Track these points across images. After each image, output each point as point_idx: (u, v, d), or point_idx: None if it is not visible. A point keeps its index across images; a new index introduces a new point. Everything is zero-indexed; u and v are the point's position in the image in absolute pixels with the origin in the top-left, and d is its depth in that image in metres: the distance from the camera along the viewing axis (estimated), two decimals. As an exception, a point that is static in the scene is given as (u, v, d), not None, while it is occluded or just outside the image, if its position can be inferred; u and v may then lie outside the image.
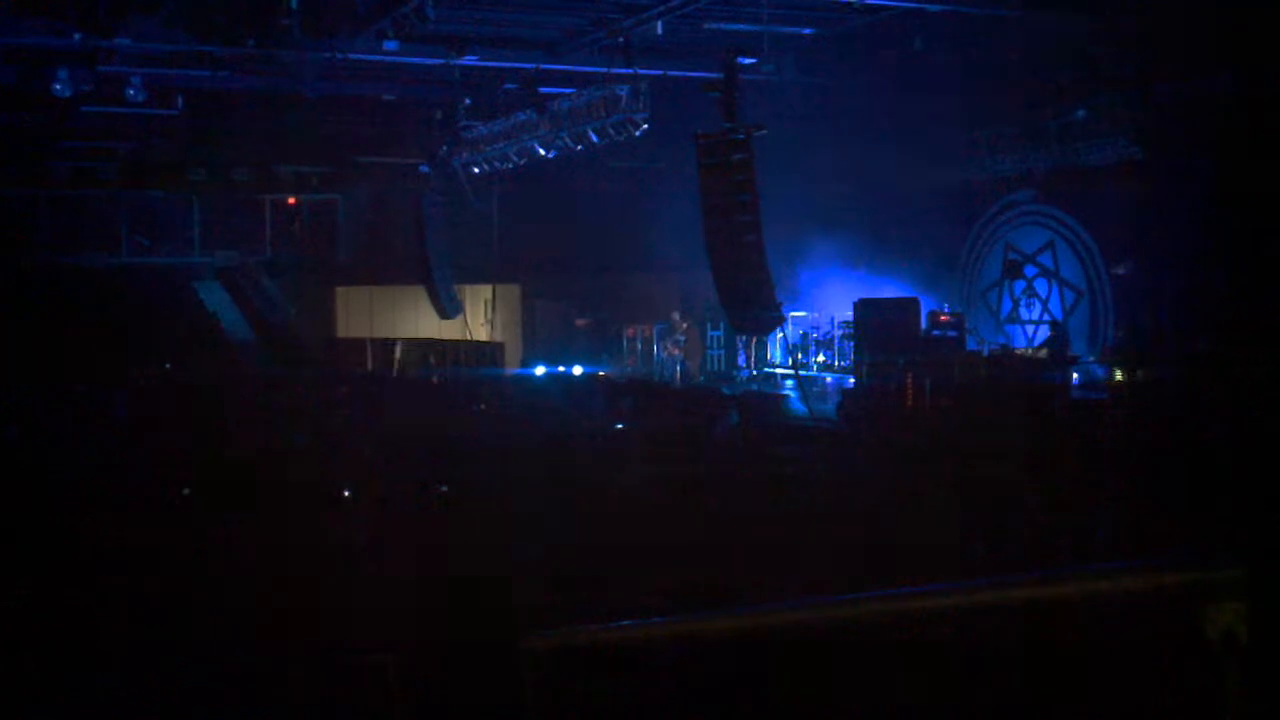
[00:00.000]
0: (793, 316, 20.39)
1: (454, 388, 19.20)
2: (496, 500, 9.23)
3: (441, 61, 18.18)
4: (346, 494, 9.84)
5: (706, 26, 16.84)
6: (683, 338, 22.20)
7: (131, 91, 18.44)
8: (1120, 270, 17.25)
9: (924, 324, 17.95)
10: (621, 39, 16.78)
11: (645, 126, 18.07)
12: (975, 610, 3.19)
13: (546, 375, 22.23)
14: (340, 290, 26.47)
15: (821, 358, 21.14)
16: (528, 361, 24.60)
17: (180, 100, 20.12)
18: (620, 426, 15.01)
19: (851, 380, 18.97)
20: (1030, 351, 17.94)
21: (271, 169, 25.46)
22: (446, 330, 25.30)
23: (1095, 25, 15.96)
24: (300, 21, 15.80)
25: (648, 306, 24.42)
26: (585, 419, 15.55)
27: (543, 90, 19.75)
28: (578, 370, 22.39)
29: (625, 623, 3.38)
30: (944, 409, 15.03)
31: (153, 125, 21.95)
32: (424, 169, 23.82)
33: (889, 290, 19.26)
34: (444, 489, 10.12)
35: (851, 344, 19.46)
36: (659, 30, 16.53)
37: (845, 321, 19.89)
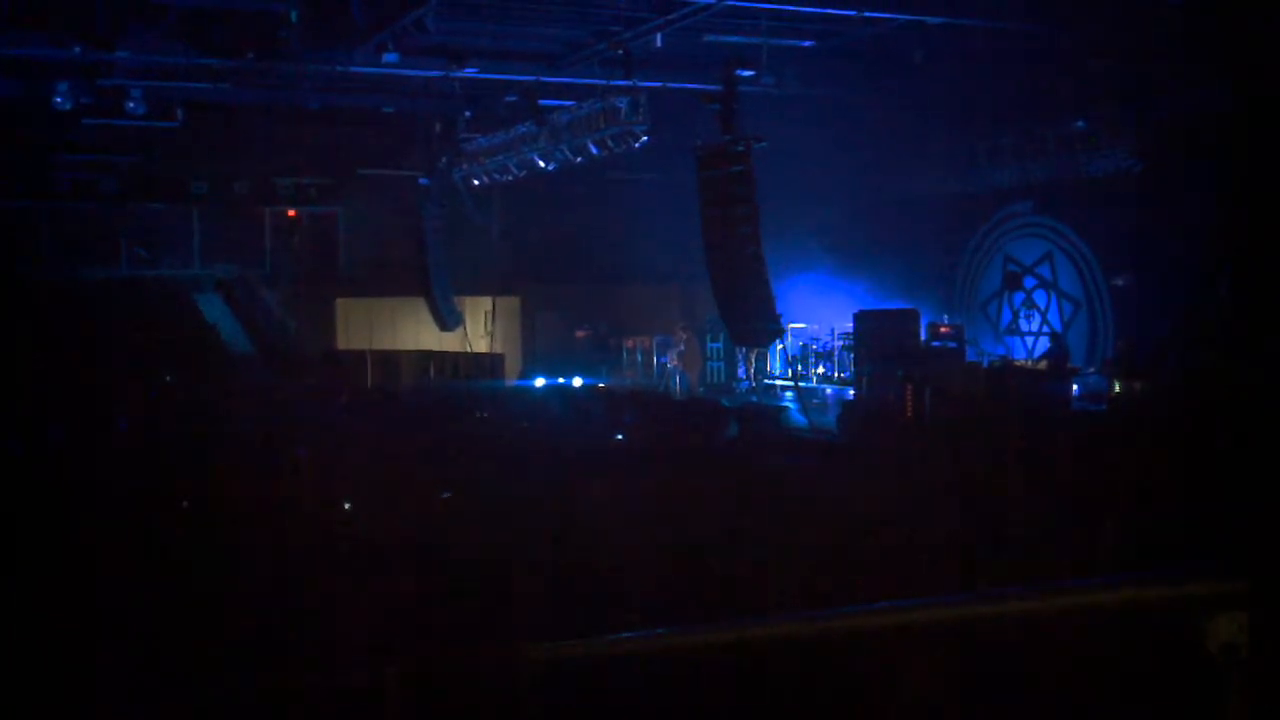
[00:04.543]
0: (792, 328, 20.39)
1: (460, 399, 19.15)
2: (497, 509, 9.21)
3: (441, 74, 18.20)
4: (347, 506, 9.82)
5: (706, 39, 16.85)
6: (683, 349, 22.21)
7: (131, 104, 18.47)
8: (1119, 282, 17.26)
9: (924, 335, 17.94)
10: (621, 51, 16.79)
11: (644, 139, 18.08)
12: (975, 622, 3.18)
13: (546, 387, 22.23)
14: (340, 302, 26.48)
15: (821, 369, 21.15)
16: (528, 373, 24.61)
17: (180, 113, 20.12)
18: (620, 438, 15.01)
19: (851, 392, 18.96)
20: (1030, 363, 17.95)
21: (271, 181, 25.49)
22: (446, 342, 25.29)
23: (1094, 37, 15.98)
24: (300, 34, 15.83)
25: (647, 318, 24.43)
26: (586, 430, 15.54)
27: (542, 102, 19.77)
28: (578, 382, 22.39)
29: (623, 635, 3.37)
30: (944, 420, 15.01)
31: (153, 138, 21.97)
32: (424, 181, 23.83)
33: (889, 302, 19.27)
34: (446, 495, 10.10)
35: (851, 355, 19.46)
36: (658, 42, 16.54)
37: (845, 333, 19.90)
